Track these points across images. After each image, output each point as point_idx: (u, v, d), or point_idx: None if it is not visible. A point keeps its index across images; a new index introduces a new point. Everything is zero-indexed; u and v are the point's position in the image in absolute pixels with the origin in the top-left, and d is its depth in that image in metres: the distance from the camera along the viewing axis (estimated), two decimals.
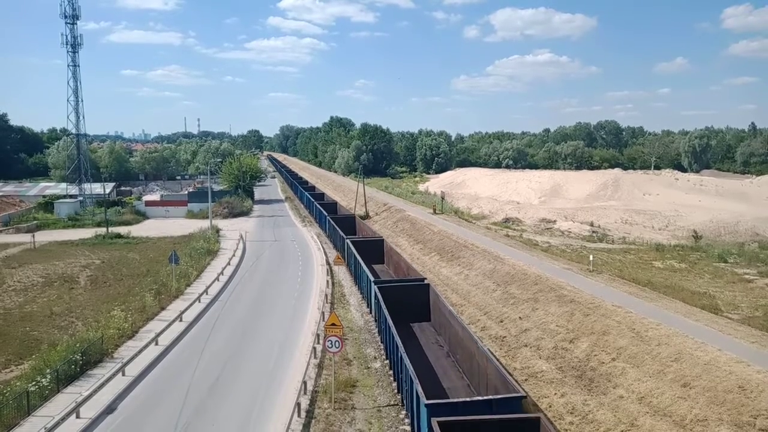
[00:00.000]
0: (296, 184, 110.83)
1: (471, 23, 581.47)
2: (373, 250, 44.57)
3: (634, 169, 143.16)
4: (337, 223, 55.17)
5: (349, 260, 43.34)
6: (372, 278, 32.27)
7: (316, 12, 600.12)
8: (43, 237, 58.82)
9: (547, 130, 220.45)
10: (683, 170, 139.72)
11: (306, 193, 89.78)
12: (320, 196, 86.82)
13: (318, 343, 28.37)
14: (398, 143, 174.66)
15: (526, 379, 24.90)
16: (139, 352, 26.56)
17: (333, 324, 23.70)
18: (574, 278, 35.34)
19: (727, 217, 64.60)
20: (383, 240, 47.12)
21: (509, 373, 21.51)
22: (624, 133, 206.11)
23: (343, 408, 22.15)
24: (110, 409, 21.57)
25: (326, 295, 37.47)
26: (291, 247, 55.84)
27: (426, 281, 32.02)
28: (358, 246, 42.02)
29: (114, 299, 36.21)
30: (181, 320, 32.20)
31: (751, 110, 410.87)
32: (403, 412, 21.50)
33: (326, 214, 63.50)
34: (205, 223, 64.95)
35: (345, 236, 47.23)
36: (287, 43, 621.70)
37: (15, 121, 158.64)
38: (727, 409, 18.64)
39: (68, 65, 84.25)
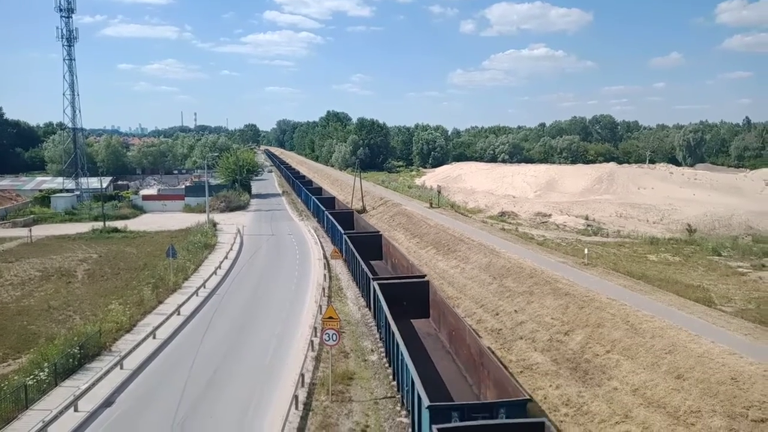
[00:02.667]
0: (299, 184, 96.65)
1: (467, 17, 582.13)
2: (414, 295, 29.99)
3: (629, 163, 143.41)
4: (356, 245, 40.10)
5: (379, 317, 28.44)
6: (427, 401, 16.44)
7: (312, 6, 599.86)
8: (40, 231, 58.73)
9: (542, 125, 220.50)
10: (678, 164, 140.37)
11: (313, 197, 74.69)
12: (330, 202, 71.63)
13: (315, 336, 28.50)
14: (395, 137, 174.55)
15: (521, 371, 25.11)
16: (137, 345, 26.68)
17: (330, 317, 23.80)
18: (569, 271, 35.53)
19: (721, 211, 64.91)
20: (428, 282, 31.09)
21: None
22: (619, 127, 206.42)
23: (341, 400, 22.32)
24: (108, 402, 21.70)
25: (323, 289, 37.62)
26: (288, 241, 55.91)
27: (526, 398, 16.96)
28: (388, 292, 27.78)
29: (111, 293, 36.30)
30: (179, 314, 32.32)
31: (745, 104, 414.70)
32: (399, 405, 21.64)
33: (342, 231, 46.27)
34: (202, 217, 64.98)
35: (372, 276, 32.06)
36: (284, 37, 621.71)
37: (11, 115, 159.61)
38: (720, 401, 18.86)
39: (64, 59, 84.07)
